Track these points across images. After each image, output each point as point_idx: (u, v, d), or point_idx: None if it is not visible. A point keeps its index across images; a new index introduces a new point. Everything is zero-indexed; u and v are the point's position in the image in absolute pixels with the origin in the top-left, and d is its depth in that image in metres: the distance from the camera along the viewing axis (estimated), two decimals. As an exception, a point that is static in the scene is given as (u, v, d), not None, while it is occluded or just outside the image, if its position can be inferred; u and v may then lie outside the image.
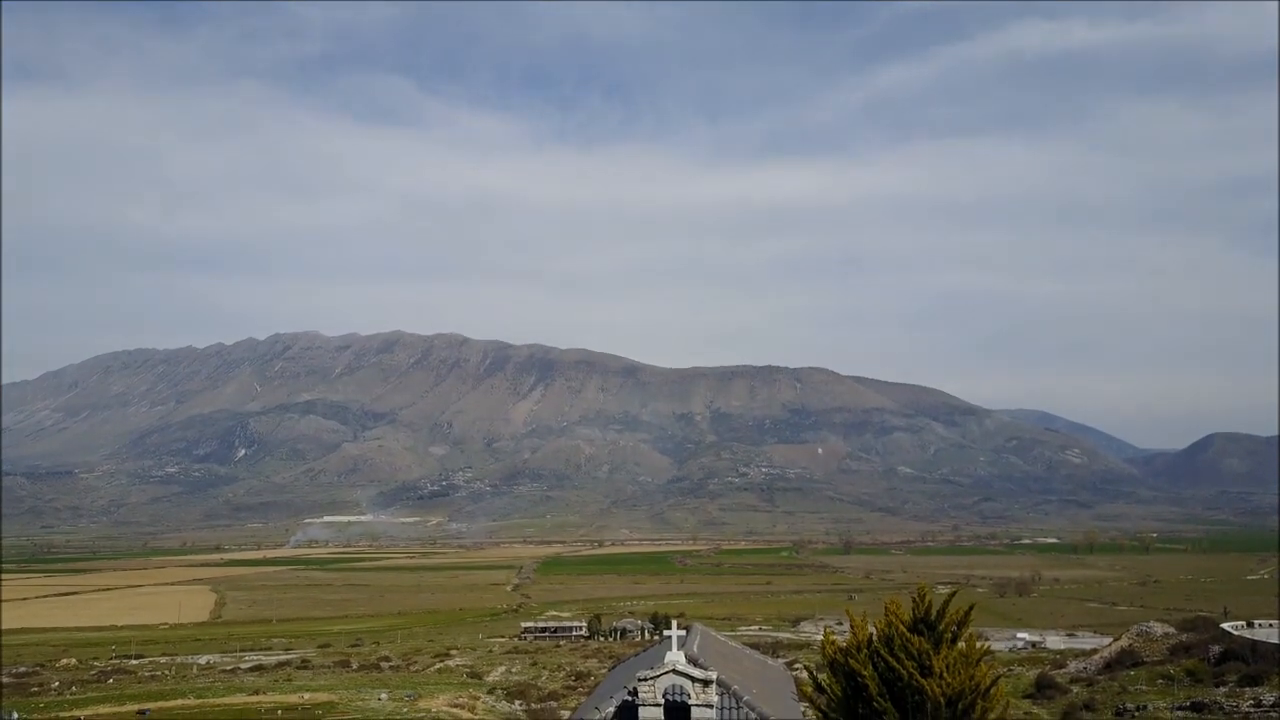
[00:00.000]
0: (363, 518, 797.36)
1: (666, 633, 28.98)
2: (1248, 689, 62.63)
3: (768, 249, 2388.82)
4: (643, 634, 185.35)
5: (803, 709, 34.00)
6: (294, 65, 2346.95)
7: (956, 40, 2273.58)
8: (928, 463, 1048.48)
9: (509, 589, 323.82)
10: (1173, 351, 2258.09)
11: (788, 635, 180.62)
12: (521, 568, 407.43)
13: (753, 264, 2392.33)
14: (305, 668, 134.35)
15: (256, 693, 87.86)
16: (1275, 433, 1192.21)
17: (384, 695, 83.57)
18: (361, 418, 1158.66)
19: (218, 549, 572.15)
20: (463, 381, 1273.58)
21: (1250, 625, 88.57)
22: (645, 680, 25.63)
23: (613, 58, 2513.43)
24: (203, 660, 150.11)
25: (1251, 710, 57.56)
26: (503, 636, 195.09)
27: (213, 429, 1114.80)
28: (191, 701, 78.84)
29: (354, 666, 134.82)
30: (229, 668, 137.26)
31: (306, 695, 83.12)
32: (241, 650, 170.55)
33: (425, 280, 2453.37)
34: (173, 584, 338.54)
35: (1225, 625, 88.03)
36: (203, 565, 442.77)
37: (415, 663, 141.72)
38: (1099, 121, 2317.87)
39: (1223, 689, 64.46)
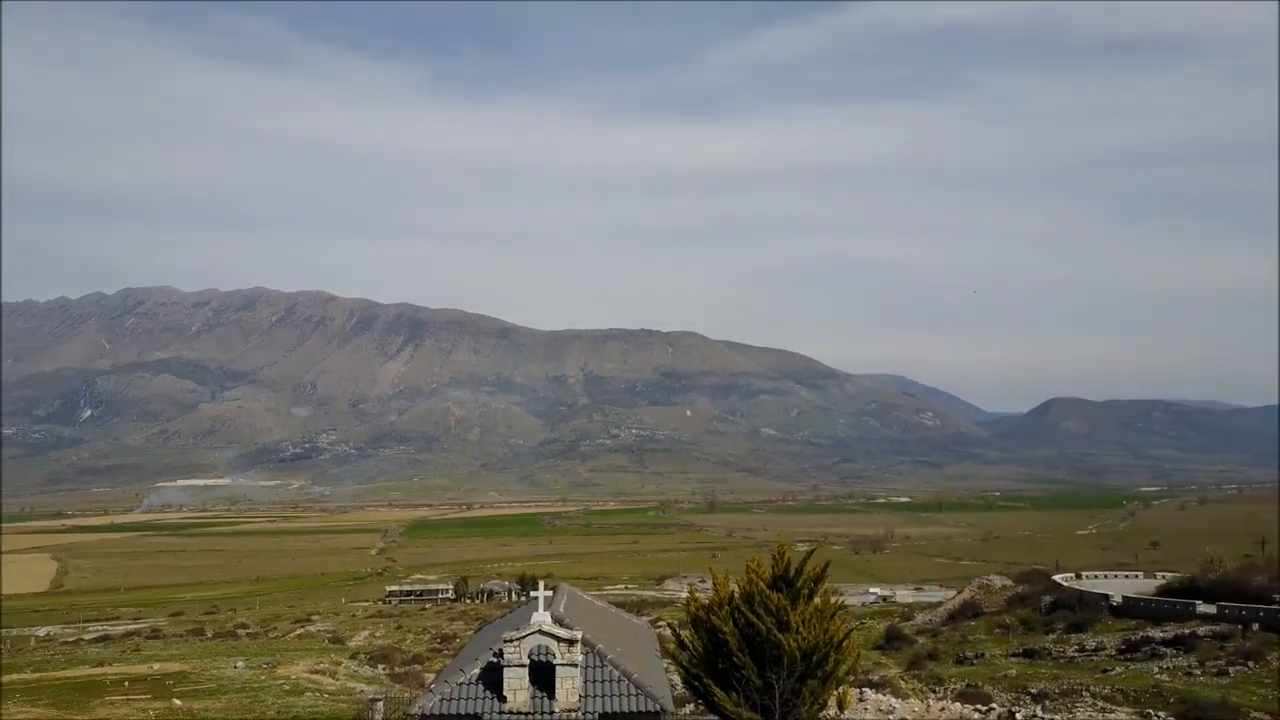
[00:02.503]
0: (221, 481, 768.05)
1: (533, 593, 29.18)
2: (1073, 635, 67.57)
3: (644, 211, 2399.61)
4: (510, 595, 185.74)
5: (666, 665, 34.90)
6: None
7: (831, 10, 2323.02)
8: (791, 424, 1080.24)
9: (374, 553, 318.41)
10: (1019, 319, 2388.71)
11: (653, 594, 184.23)
12: (387, 531, 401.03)
13: (629, 226, 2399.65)
14: (156, 637, 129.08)
15: (101, 664, 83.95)
16: (1111, 397, 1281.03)
17: (240, 663, 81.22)
18: (220, 377, 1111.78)
19: (60, 515, 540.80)
20: (328, 341, 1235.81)
21: (1079, 577, 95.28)
22: (511, 641, 25.79)
23: (491, 8, 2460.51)
24: (41, 632, 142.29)
25: (1076, 654, 62.19)
26: (367, 601, 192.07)
27: (55, 388, 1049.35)
28: (28, 676, 74.76)
29: (209, 635, 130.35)
30: (71, 639, 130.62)
31: (156, 666, 80.00)
32: (85, 621, 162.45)
33: (289, 234, 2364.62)
34: (9, 551, 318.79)
35: (1057, 577, 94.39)
36: (43, 532, 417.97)
37: (274, 629, 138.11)
38: (964, 91, 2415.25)
39: (1052, 636, 69.35)
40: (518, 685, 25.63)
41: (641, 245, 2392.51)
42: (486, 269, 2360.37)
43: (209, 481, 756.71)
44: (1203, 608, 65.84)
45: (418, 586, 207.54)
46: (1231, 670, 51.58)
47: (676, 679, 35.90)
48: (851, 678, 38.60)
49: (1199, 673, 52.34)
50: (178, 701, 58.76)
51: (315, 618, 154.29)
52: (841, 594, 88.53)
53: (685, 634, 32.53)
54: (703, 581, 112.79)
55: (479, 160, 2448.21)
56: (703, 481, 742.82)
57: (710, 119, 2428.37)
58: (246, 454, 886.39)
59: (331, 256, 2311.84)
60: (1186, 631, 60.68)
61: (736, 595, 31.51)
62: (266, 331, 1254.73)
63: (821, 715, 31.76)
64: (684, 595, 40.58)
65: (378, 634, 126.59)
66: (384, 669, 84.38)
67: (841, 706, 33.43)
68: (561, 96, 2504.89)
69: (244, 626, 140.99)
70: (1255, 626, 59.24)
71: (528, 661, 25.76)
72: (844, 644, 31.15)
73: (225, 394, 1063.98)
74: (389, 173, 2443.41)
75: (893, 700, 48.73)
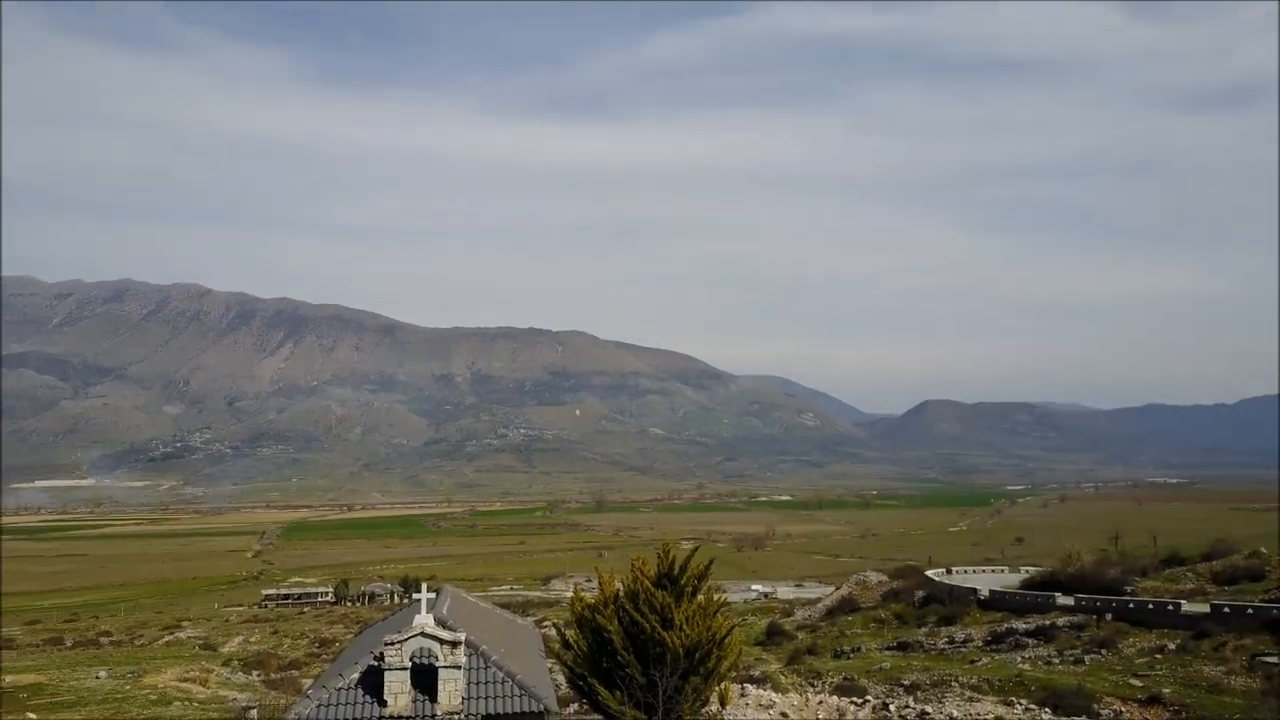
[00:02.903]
0: (84, 482, 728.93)
1: (416, 596, 28.73)
2: (944, 628, 70.36)
3: (534, 209, 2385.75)
4: (392, 598, 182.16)
5: (550, 665, 34.86)
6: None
7: (721, 12, 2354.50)
8: (677, 424, 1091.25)
9: (250, 556, 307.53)
10: (897, 323, 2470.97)
11: (539, 594, 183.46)
12: (264, 533, 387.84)
13: (518, 224, 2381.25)
14: (9, 647, 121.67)
15: (-53, 677, 78.69)
16: (981, 400, 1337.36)
17: (103, 673, 77.22)
18: (84, 372, 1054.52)
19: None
20: (203, 336, 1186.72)
21: (949, 572, 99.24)
22: (392, 644, 25.33)
23: (379, 4, 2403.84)
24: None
25: (946, 646, 64.81)
26: (241, 605, 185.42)
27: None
28: None
29: (68, 644, 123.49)
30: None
31: (9, 678, 75.47)
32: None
33: (161, 224, 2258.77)
34: None
35: (929, 573, 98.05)
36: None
37: (141, 636, 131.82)
38: (846, 101, 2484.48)
39: (924, 629, 72.05)
40: (399, 689, 25.19)
41: (531, 243, 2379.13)
42: (371, 265, 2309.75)
43: (71, 482, 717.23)
44: (1062, 600, 69.43)
45: (296, 590, 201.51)
46: (1087, 658, 54.57)
47: (561, 679, 35.89)
48: (733, 674, 39.30)
49: (1058, 661, 55.18)
50: (32, 715, 55.58)
51: (185, 624, 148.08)
52: (725, 591, 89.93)
53: (570, 634, 32.54)
54: (589, 581, 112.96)
55: (364, 153, 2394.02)
56: (591, 481, 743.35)
57: (600, 119, 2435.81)
58: (112, 454, 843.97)
59: (207, 249, 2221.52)
60: (1047, 622, 63.86)
61: (622, 594, 31.70)
62: (136, 325, 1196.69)
63: (704, 711, 32.25)
64: (570, 595, 40.57)
65: (252, 639, 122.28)
66: (259, 676, 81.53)
67: (723, 702, 34.00)
68: (450, 92, 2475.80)
69: (107, 634, 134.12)
70: (1108, 616, 62.80)
71: (409, 664, 25.35)
72: (726, 641, 31.66)
73: (89, 390, 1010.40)
74: (270, 164, 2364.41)
75: (773, 695, 49.77)
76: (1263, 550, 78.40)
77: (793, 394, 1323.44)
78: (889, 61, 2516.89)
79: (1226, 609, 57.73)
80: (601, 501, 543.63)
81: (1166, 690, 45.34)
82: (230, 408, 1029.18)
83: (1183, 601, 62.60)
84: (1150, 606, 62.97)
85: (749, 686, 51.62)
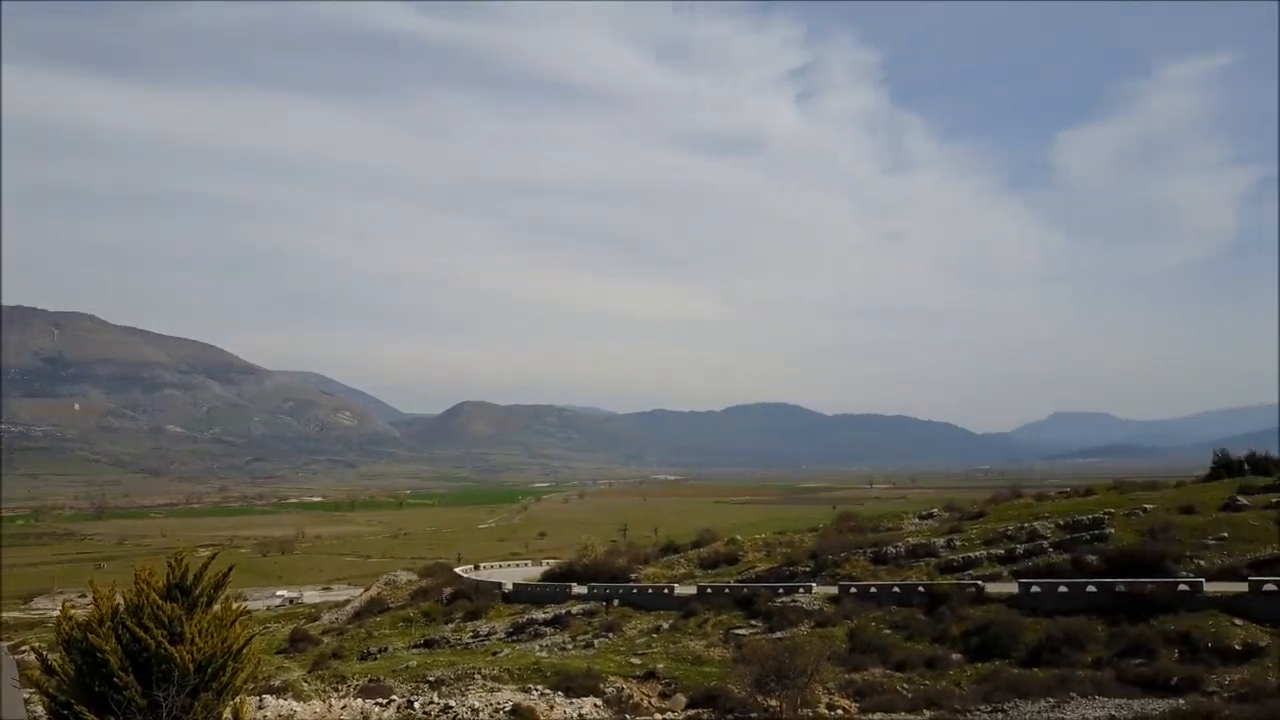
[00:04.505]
0: None
1: None
2: (470, 623, 72.68)
3: (43, 173, 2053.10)
4: None
5: (28, 694, 30.47)
6: None
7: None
8: (200, 422, 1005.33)
9: None
10: (439, 323, 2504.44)
11: (17, 615, 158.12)
12: None
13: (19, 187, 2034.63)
14: None
15: None
16: (514, 402, 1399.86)
17: None
18: None
19: None
20: None
21: (477, 568, 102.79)
22: None
23: None
24: None
25: (471, 640, 67.00)
26: None
27: None
28: None
29: None
30: None
31: None
32: None
33: None
34: None
35: (458, 569, 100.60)
36: None
37: None
38: (401, 101, 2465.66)
39: (451, 625, 73.82)
40: None
41: (26, 207, 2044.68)
42: None
43: None
44: (577, 589, 75.17)
45: None
46: (597, 642, 59.68)
47: (41, 709, 31.52)
48: (251, 685, 37.23)
49: (571, 647, 59.67)
50: None
51: None
52: (245, 599, 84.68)
53: (54, 658, 28.69)
54: (82, 597, 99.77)
55: None
56: (90, 484, 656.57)
57: (124, 79, 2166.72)
58: None
59: None
60: (564, 611, 68.72)
61: (123, 609, 28.66)
62: None
63: (215, 729, 30.18)
64: (56, 614, 35.87)
65: None
66: None
67: (238, 716, 32.10)
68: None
69: None
70: (616, 602, 69.19)
71: None
72: (244, 651, 29.93)
73: None
74: None
75: (294, 704, 47.91)
76: (738, 537, 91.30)
77: (331, 392, 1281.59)
78: (447, 66, 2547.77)
79: (709, 589, 66.51)
80: (103, 507, 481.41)
81: (660, 665, 51.21)
82: None
83: (676, 585, 70.97)
84: (650, 591, 70.49)
85: (268, 697, 49.23)
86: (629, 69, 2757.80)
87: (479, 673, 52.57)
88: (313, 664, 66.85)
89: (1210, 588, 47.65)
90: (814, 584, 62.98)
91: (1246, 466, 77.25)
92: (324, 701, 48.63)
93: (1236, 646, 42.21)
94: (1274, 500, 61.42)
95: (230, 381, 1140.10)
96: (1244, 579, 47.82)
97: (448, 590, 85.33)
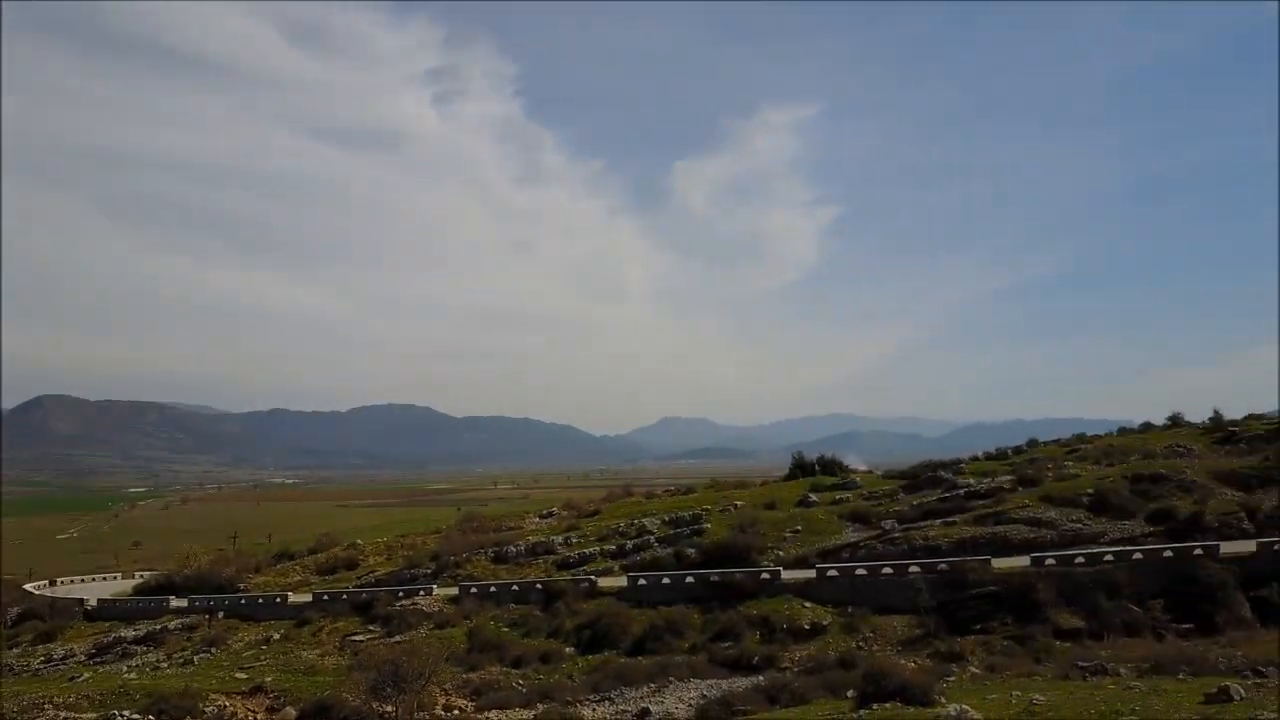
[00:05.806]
0: None
1: None
2: (42, 646, 64.11)
3: None
4: None
5: None
6: None
7: None
8: None
9: None
10: (10, 306, 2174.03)
11: None
12: None
13: None
14: None
15: None
16: (108, 397, 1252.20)
17: None
18: None
19: None
20: None
21: (54, 584, 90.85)
22: None
23: None
24: None
25: (42, 666, 59.03)
26: None
27: None
28: None
29: None
30: None
31: None
32: None
33: None
34: None
35: (28, 586, 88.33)
36: None
37: None
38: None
39: (18, 650, 64.61)
40: None
41: None
42: None
43: None
44: (176, 602, 69.13)
45: None
46: (196, 658, 55.22)
47: None
48: None
49: (166, 665, 54.68)
50: None
51: None
52: None
53: None
54: None
55: None
56: None
57: None
58: None
59: None
60: (159, 627, 62.87)
61: None
62: None
63: None
64: None
65: None
66: None
67: None
68: None
69: None
70: (220, 614, 64.52)
71: None
72: None
73: None
74: None
75: None
76: (359, 542, 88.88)
77: None
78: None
79: (326, 596, 64.13)
80: None
81: (269, 678, 48.46)
82: None
83: (289, 593, 67.60)
84: (260, 600, 66.58)
85: None
86: (259, 49, 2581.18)
87: (50, 702, 46.57)
88: None
89: (787, 575, 54.41)
90: (435, 586, 63.06)
91: (817, 468, 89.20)
92: None
93: (806, 626, 48.56)
94: (838, 497, 71.25)
95: None
96: (813, 566, 55.14)
97: (14, 610, 74.71)
